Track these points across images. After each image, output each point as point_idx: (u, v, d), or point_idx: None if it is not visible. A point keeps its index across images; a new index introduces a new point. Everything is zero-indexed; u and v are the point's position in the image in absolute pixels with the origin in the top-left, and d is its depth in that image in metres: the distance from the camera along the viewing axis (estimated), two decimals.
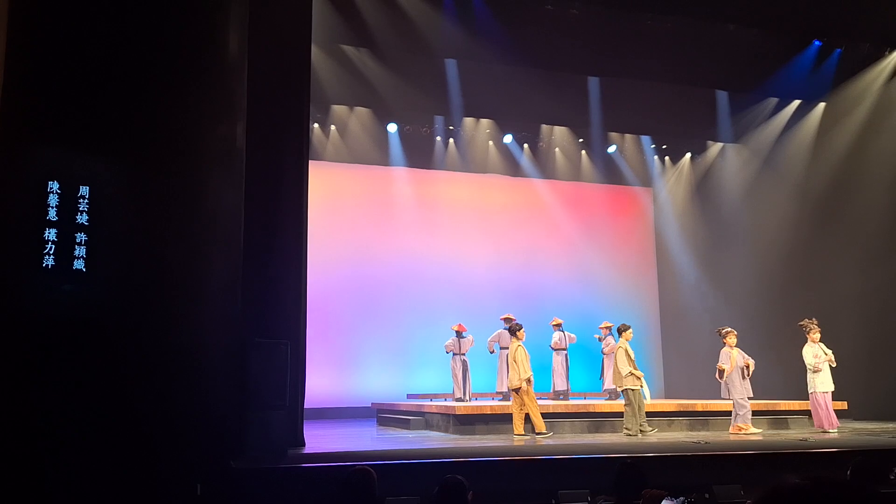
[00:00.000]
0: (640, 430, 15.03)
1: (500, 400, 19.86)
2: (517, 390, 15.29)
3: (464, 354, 20.33)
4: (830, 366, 15.74)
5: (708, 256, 24.81)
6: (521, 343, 15.66)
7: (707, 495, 10.12)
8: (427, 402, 19.08)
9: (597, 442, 14.43)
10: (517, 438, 14.85)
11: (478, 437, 15.31)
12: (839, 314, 17.18)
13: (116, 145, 10.04)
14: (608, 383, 21.08)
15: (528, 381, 15.27)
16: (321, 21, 16.03)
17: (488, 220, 25.25)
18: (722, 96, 21.66)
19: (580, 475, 10.54)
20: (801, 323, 16.12)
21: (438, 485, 6.84)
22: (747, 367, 15.64)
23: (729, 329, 16.04)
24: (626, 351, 15.50)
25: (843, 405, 16.72)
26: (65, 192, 9.62)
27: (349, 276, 23.26)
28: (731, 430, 15.66)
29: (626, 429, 15.26)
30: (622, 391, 15.51)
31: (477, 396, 20.61)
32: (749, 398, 15.66)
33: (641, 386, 15.30)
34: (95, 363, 9.48)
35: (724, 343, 15.96)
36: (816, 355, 15.77)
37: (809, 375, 15.83)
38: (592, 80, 20.74)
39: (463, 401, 19.60)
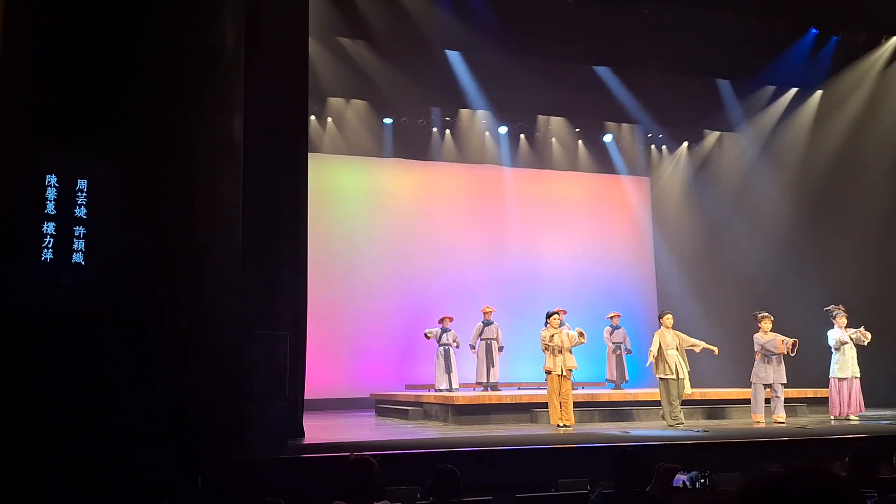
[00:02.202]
0: (674, 421, 14.91)
1: (483, 390, 19.93)
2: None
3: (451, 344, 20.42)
4: (862, 343, 15.79)
5: (705, 245, 24.81)
6: (544, 330, 15.58)
7: (707, 482, 10.14)
8: (426, 393, 19.11)
9: (597, 430, 14.45)
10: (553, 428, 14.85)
11: (476, 426, 15.33)
12: (837, 301, 17.16)
13: (114, 139, 10.03)
14: (609, 373, 21.29)
15: (547, 371, 15.18)
16: (317, 13, 16.01)
17: (485, 211, 25.24)
18: (719, 85, 21.63)
19: (580, 464, 10.58)
20: (828, 308, 16.14)
21: (431, 475, 6.87)
22: (792, 346, 15.43)
23: (765, 314, 15.91)
24: (658, 337, 15.40)
25: None
26: (63, 185, 9.63)
27: (347, 268, 23.27)
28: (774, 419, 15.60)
29: (662, 418, 15.21)
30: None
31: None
32: (766, 385, 15.57)
33: (677, 377, 15.08)
34: (94, 357, 9.50)
35: (759, 328, 15.84)
36: (842, 339, 15.82)
37: (833, 360, 15.92)
38: (589, 69, 20.69)
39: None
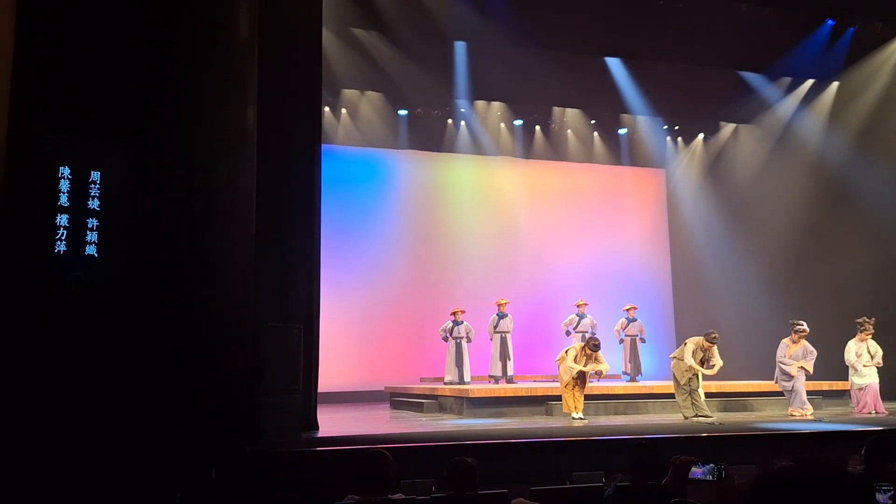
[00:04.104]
0: (696, 414, 14.72)
1: (493, 384, 19.88)
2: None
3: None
4: (877, 366, 15.77)
5: (721, 237, 24.73)
6: (575, 351, 15.44)
7: (723, 475, 10.11)
8: (440, 386, 19.09)
9: (612, 423, 14.43)
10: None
11: (491, 419, 15.32)
12: (852, 293, 17.14)
13: (127, 130, 10.04)
14: (624, 366, 21.26)
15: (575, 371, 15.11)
16: (332, 4, 16.01)
17: (500, 202, 25.25)
18: (734, 76, 21.55)
19: (594, 456, 10.57)
20: (858, 321, 15.99)
21: (447, 467, 6.86)
22: (802, 367, 15.45)
23: (803, 329, 15.74)
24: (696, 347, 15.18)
25: None
26: (76, 177, 9.64)
27: (361, 260, 23.27)
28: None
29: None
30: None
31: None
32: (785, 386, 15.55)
33: (693, 372, 14.91)
34: (108, 349, 9.51)
35: (791, 334, 15.69)
36: (858, 354, 15.75)
37: (850, 371, 15.86)
38: (604, 61, 20.69)
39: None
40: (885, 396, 16.05)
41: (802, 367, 15.29)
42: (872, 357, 15.72)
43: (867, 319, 15.95)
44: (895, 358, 16.59)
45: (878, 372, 15.80)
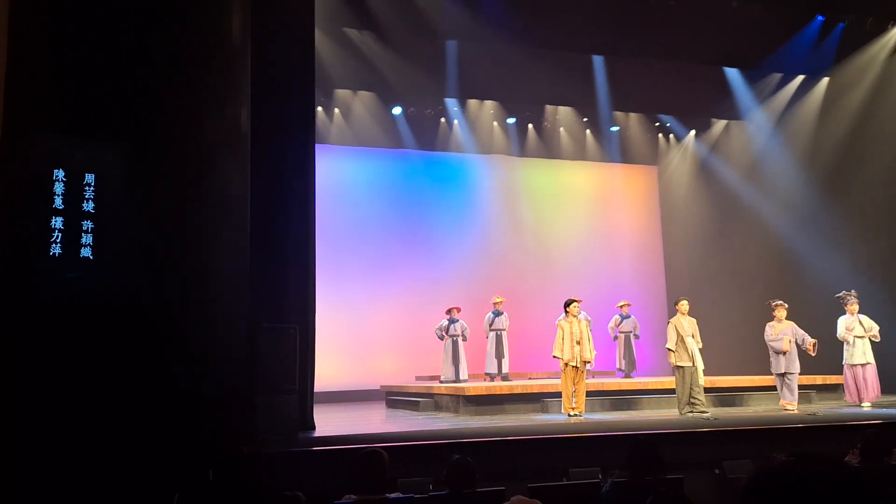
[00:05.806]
0: (690, 410, 14.65)
1: (489, 381, 19.88)
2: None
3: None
4: (873, 340, 15.76)
5: (714, 233, 24.83)
6: (563, 320, 15.41)
7: (717, 471, 10.16)
8: (436, 384, 19.10)
9: (608, 419, 14.43)
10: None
11: (488, 417, 15.33)
12: (846, 287, 17.14)
13: (121, 132, 10.03)
14: (618, 362, 21.28)
15: (564, 360, 15.04)
16: (324, 4, 16.00)
17: (494, 200, 25.30)
18: (726, 73, 21.61)
19: (591, 452, 10.58)
20: (839, 295, 16.07)
21: (446, 466, 6.89)
22: (805, 343, 15.34)
23: (779, 302, 15.83)
24: (674, 325, 15.19)
25: None
26: (70, 180, 9.63)
27: (356, 260, 23.30)
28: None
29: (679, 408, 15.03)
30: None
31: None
32: (789, 373, 15.42)
33: (693, 364, 14.80)
34: (104, 350, 9.50)
35: (773, 316, 15.69)
36: (849, 328, 15.77)
37: (845, 347, 15.87)
38: (596, 59, 20.72)
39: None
40: (884, 389, 16.08)
41: (794, 341, 15.16)
42: (867, 331, 15.74)
43: (847, 293, 16.01)
44: (893, 351, 16.67)
45: (878, 362, 15.81)
